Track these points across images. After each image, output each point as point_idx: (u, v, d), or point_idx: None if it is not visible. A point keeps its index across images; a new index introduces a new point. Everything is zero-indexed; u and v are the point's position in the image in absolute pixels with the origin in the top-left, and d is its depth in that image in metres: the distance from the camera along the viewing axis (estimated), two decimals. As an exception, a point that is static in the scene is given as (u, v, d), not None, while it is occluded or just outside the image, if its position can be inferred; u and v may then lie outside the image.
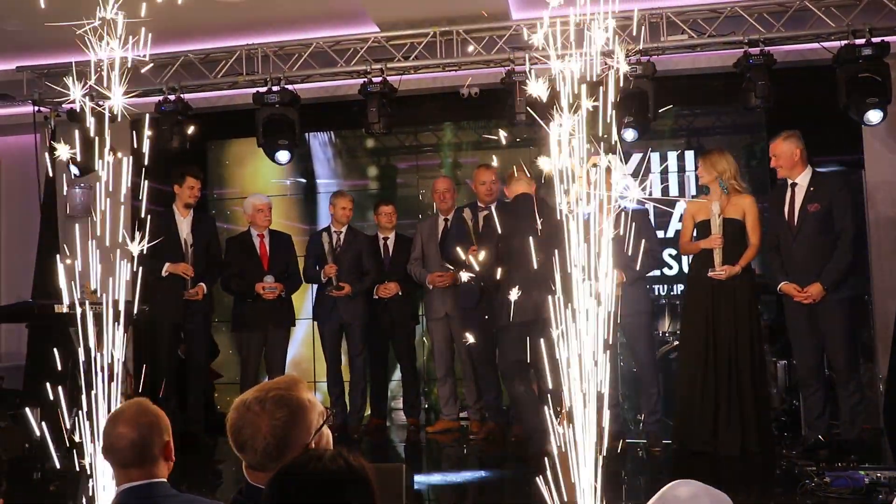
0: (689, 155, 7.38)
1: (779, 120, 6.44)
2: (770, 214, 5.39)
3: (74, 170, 7.24)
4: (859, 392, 5.12)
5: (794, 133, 5.24)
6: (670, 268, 7.02)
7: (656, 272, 6.26)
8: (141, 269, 6.27)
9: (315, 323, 6.69)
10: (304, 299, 7.04)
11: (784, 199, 5.21)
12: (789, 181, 5.21)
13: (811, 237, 5.09)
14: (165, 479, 2.30)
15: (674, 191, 7.48)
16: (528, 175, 5.28)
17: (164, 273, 6.02)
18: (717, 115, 7.62)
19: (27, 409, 6.09)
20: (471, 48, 6.55)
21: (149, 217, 6.24)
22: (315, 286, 6.75)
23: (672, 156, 7.54)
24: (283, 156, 6.81)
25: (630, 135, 6.33)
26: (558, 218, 2.79)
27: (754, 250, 5.25)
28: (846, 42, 5.94)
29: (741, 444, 5.09)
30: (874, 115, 5.90)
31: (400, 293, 6.52)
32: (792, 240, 5.15)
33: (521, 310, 4.84)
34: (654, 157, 7.52)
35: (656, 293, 6.94)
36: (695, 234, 5.44)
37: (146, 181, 3.99)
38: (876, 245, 6.26)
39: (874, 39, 5.87)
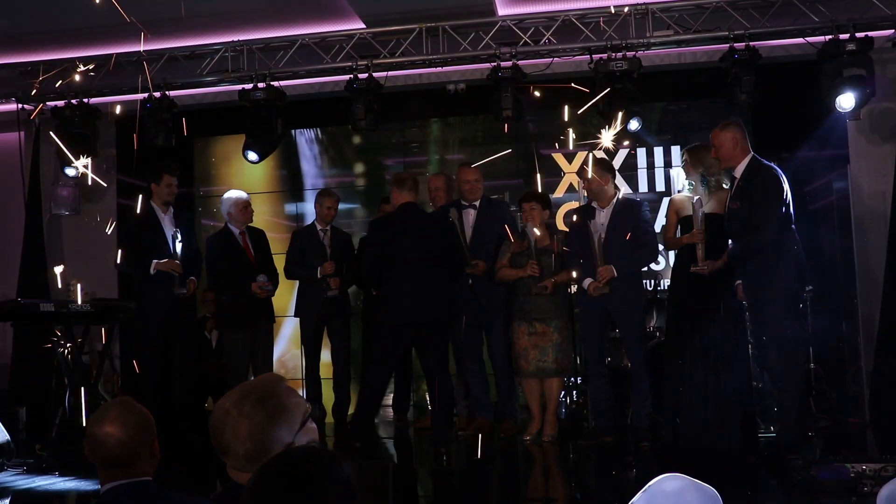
0: (676, 150, 7.40)
1: (764, 115, 6.47)
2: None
3: (72, 171, 7.20)
4: (790, 393, 4.89)
5: (733, 121, 5.11)
6: (657, 263, 7.03)
7: (643, 267, 6.24)
8: (126, 267, 6.28)
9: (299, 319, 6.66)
10: (290, 296, 7.01)
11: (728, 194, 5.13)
12: (732, 174, 5.09)
13: (735, 235, 4.96)
14: (151, 478, 2.29)
15: (660, 186, 7.50)
16: (411, 184, 5.53)
17: (152, 271, 5.99)
18: (702, 110, 7.63)
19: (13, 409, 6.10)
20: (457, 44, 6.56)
21: (129, 216, 6.27)
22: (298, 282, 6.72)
23: (658, 151, 7.55)
24: (251, 156, 6.86)
25: (634, 124, 6.31)
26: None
27: None
28: (831, 37, 5.98)
29: (729, 438, 5.10)
30: (845, 100, 5.86)
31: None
32: (728, 236, 5.08)
33: (401, 310, 5.23)
34: (641, 152, 7.53)
35: (644, 287, 6.94)
36: (679, 229, 5.45)
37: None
38: (860, 239, 6.30)
39: (858, 34, 5.91)
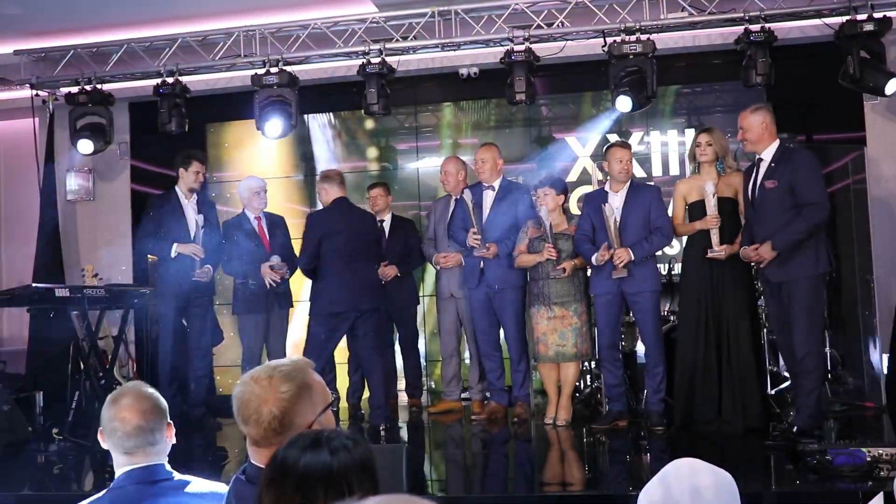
0: (690, 133, 7.34)
1: (780, 97, 6.41)
2: (742, 193, 5.19)
3: (87, 147, 7.21)
4: (814, 375, 4.83)
5: (763, 105, 5.09)
6: (671, 247, 7.00)
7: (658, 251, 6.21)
8: (146, 251, 6.32)
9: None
10: (304, 281, 7.02)
11: (751, 176, 5.06)
12: (757, 156, 5.04)
13: (770, 214, 4.87)
14: (164, 462, 2.30)
15: (674, 170, 7.45)
16: (339, 180, 5.95)
17: (173, 254, 6.02)
18: (717, 93, 7.57)
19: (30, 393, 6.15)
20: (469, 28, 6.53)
21: (152, 200, 6.31)
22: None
23: (672, 134, 7.50)
24: (271, 127, 6.81)
25: (624, 103, 6.28)
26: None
27: None
28: (847, 18, 5.90)
29: (743, 422, 5.09)
30: (892, 86, 5.84)
31: (398, 275, 6.48)
32: (753, 217, 4.99)
33: (335, 301, 5.68)
34: (654, 135, 7.48)
35: (658, 271, 6.90)
36: (687, 214, 5.40)
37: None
38: (877, 222, 6.23)
39: (876, 15, 5.83)
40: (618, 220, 5.41)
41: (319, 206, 6.90)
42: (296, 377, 1.96)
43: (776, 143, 4.95)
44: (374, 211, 6.69)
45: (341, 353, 6.58)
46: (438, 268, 6.36)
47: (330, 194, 5.92)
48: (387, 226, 6.67)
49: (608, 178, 5.65)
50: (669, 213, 5.59)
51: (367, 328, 5.82)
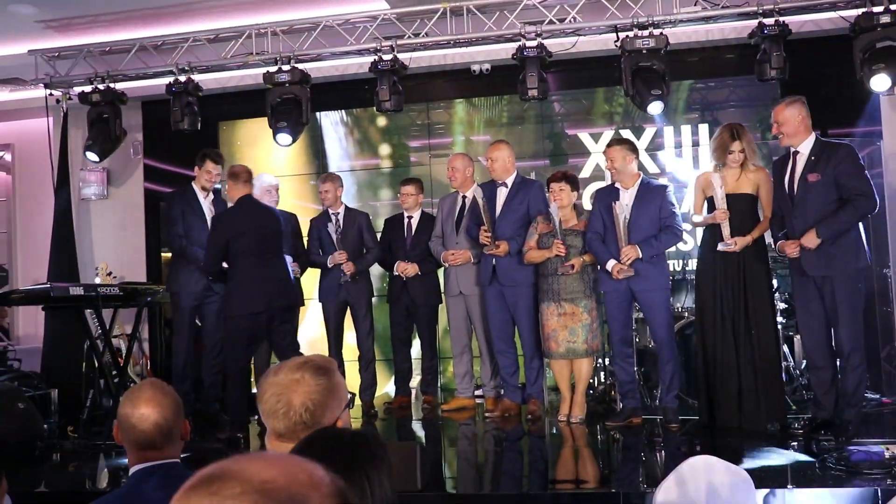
0: (703, 128, 7.30)
1: (794, 92, 6.36)
2: (774, 185, 5.13)
3: (93, 156, 7.28)
4: (859, 370, 4.83)
5: (798, 98, 5.02)
6: (685, 242, 6.96)
7: (671, 248, 6.18)
8: (169, 249, 6.33)
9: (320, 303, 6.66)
10: (315, 279, 7.02)
11: (786, 169, 5.01)
12: (791, 149, 4.99)
13: (811, 208, 4.82)
14: (178, 460, 2.30)
15: (688, 165, 7.41)
16: (247, 177, 5.73)
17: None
18: (731, 87, 7.53)
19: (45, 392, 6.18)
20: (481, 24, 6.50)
21: (170, 195, 6.34)
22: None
23: (686, 129, 7.46)
24: (283, 138, 6.87)
25: (657, 107, 6.24)
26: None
27: (767, 223, 5.16)
28: (864, 10, 5.84)
29: (765, 419, 5.06)
30: (879, 82, 5.74)
31: (419, 273, 6.44)
32: (791, 210, 4.93)
33: (252, 301, 5.52)
34: (668, 130, 7.44)
35: (672, 268, 6.88)
36: (706, 207, 5.37)
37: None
38: (894, 217, 6.18)
39: (892, 6, 5.77)
40: (628, 217, 5.38)
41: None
42: (327, 372, 1.98)
43: (812, 137, 4.94)
44: (404, 207, 6.64)
45: (351, 350, 6.59)
46: (447, 265, 6.31)
47: (235, 192, 5.71)
48: (415, 223, 6.60)
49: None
50: (688, 206, 5.56)
51: (282, 326, 5.75)
